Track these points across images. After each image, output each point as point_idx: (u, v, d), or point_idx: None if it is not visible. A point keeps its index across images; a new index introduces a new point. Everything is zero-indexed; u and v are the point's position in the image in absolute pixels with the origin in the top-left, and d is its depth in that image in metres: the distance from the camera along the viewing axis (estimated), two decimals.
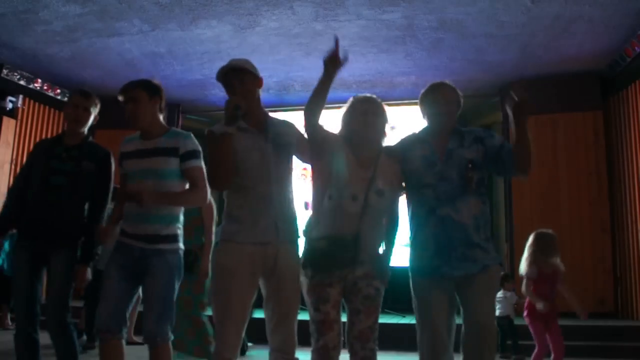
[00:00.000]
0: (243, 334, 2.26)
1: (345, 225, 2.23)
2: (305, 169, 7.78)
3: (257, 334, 3.65)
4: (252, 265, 2.20)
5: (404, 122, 7.39)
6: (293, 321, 2.27)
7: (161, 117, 2.66)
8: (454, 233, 2.30)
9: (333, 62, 2.23)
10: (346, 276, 2.25)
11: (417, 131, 2.53)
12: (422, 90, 2.49)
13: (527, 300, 4.00)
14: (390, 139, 2.42)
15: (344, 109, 2.43)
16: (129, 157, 2.59)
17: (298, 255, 2.31)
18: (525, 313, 3.99)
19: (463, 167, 2.32)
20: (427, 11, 5.19)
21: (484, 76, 6.81)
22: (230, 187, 2.27)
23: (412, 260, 2.43)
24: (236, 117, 2.20)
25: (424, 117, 2.50)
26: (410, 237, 2.47)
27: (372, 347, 2.22)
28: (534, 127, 7.22)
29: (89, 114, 2.93)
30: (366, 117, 2.32)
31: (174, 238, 2.54)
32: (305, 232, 2.36)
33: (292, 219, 2.34)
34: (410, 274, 2.44)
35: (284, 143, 2.33)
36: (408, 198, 2.47)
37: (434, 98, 2.43)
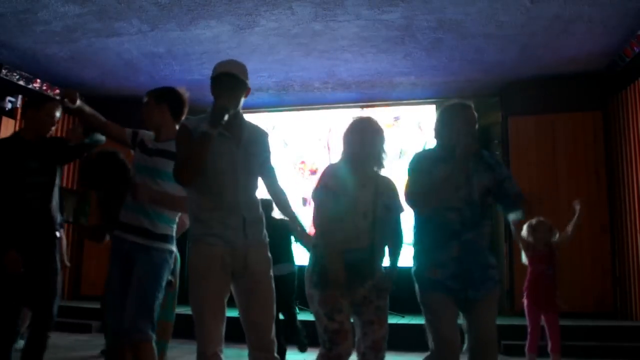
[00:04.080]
0: (223, 330, 2.24)
1: (359, 240, 2.31)
2: (303, 162, 7.78)
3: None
4: (223, 263, 2.22)
5: (405, 120, 7.48)
6: (269, 320, 2.26)
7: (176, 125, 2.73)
8: (476, 257, 2.33)
9: None
10: (356, 290, 2.31)
11: (430, 148, 2.49)
12: (443, 108, 2.43)
13: (525, 287, 4.07)
14: (393, 142, 2.46)
15: (344, 129, 2.48)
16: (140, 150, 2.71)
17: (268, 256, 2.33)
18: (524, 298, 4.05)
19: (483, 194, 2.36)
20: (426, 11, 5.18)
21: (483, 76, 6.80)
22: (191, 185, 2.26)
23: (423, 273, 2.40)
24: (221, 120, 2.21)
25: (438, 135, 2.43)
26: (421, 259, 2.43)
27: (383, 356, 2.33)
28: (533, 127, 7.27)
29: (55, 123, 3.14)
30: (364, 135, 2.40)
31: (164, 238, 2.58)
32: (315, 248, 2.41)
33: (259, 221, 2.34)
34: (418, 286, 2.42)
35: (254, 151, 2.37)
36: (423, 215, 2.42)
37: (464, 118, 2.37)
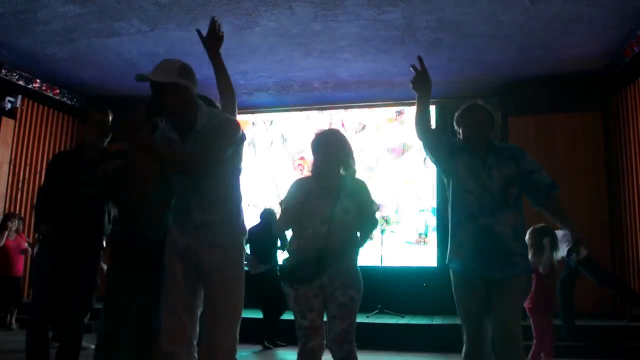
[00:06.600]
0: (191, 325, 2.20)
1: (316, 242, 2.49)
2: (302, 158, 7.75)
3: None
4: (181, 257, 2.23)
5: (407, 115, 7.47)
6: (215, 323, 2.17)
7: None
8: (494, 242, 2.43)
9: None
10: (325, 287, 2.50)
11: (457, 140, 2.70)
12: (458, 111, 2.65)
13: (527, 304, 3.98)
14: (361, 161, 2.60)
15: (310, 142, 2.68)
16: None
17: (227, 258, 2.21)
18: (527, 305, 3.97)
19: (504, 184, 2.50)
20: (426, 11, 5.19)
21: (483, 76, 6.82)
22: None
23: (450, 257, 2.57)
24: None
25: (459, 135, 2.66)
26: (450, 236, 2.60)
27: (349, 349, 2.49)
28: (533, 127, 7.25)
29: (109, 128, 3.16)
30: (327, 149, 2.59)
31: None
32: (287, 249, 2.65)
33: (219, 223, 2.22)
34: (451, 271, 2.58)
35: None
36: (450, 200, 2.62)
37: (468, 121, 2.61)
